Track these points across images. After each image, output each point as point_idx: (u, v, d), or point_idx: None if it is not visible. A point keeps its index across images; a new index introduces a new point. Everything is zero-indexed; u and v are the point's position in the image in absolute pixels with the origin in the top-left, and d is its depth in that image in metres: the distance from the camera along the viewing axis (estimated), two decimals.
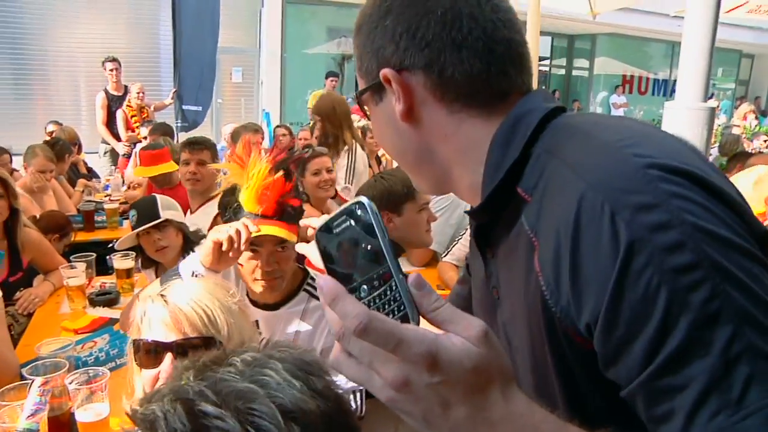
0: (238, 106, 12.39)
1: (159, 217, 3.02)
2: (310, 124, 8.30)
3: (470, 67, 0.89)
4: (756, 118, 12.89)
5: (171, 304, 1.47)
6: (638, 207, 0.67)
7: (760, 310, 0.65)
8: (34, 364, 2.02)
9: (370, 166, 6.24)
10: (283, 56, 12.62)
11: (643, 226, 0.67)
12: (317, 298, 2.22)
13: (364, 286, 0.63)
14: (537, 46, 5.51)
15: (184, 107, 8.81)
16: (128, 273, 3.42)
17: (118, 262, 3.42)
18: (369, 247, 0.63)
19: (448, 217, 4.15)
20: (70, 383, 1.91)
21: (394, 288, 0.62)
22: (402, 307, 0.61)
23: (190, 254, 2.03)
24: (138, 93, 8.39)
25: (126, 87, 8.58)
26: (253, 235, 1.96)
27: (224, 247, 1.90)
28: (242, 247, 1.93)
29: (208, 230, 3.44)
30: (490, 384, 0.60)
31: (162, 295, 1.49)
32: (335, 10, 13.24)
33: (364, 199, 0.64)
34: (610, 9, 8.47)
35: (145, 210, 3.07)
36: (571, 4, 8.44)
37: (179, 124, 8.69)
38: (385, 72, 0.92)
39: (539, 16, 5.17)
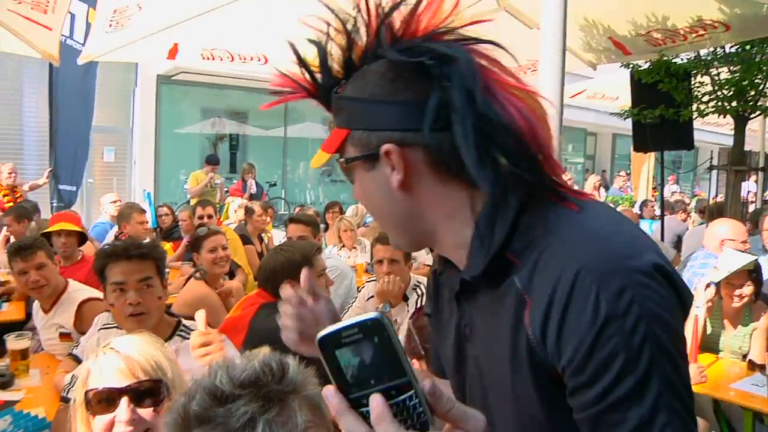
0: (109, 186, 11.85)
1: None
2: (191, 203, 8.62)
3: None
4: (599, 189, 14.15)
5: (122, 353, 1.62)
6: (616, 291, 0.88)
7: (677, 377, 0.89)
8: None
9: (251, 243, 6.62)
10: (157, 136, 12.55)
11: (617, 307, 0.87)
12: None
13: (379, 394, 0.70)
14: None
15: (60, 187, 8.69)
16: (23, 354, 3.29)
17: (13, 343, 3.29)
18: (387, 359, 0.69)
19: (337, 287, 4.55)
20: None
21: (414, 398, 0.69)
22: (423, 415, 0.69)
23: None
24: (9, 173, 8.09)
25: None
26: None
27: None
28: None
29: (73, 323, 3.62)
30: None
31: (112, 348, 1.64)
32: (208, 91, 13.39)
33: (379, 316, 0.69)
34: None
35: None
36: None
37: (55, 204, 8.49)
38: (388, 147, 0.99)
39: None
